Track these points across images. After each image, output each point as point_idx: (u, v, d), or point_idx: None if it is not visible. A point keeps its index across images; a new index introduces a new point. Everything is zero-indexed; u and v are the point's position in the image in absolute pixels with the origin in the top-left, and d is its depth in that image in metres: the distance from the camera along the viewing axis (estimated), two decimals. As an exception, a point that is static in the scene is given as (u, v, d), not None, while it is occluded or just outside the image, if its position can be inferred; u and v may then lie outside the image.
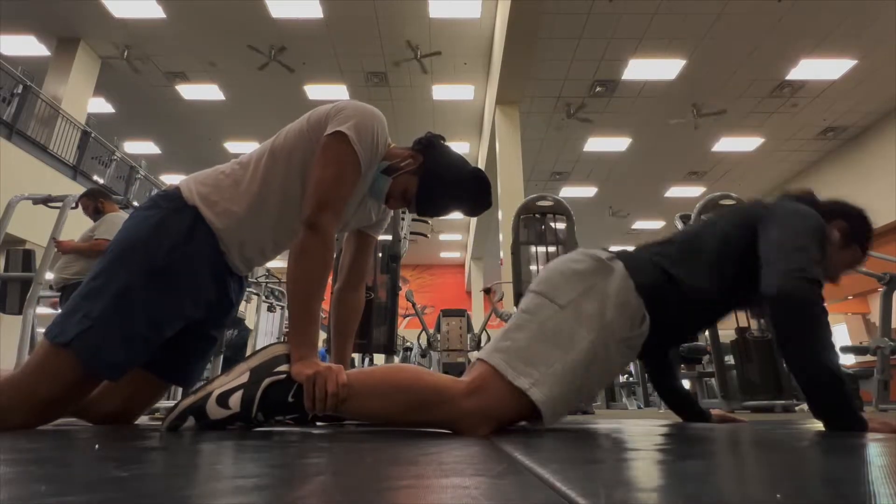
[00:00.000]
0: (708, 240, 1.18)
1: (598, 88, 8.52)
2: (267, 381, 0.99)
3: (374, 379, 1.02)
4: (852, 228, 1.21)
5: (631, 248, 1.21)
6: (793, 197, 1.24)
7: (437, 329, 6.48)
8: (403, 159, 1.22)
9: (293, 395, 0.99)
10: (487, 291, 5.70)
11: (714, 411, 1.38)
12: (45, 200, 3.84)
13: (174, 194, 1.19)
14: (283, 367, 1.01)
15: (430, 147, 1.25)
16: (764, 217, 1.15)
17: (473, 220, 13.59)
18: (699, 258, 1.14)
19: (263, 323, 5.82)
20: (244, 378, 1.00)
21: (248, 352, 5.38)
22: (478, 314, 13.03)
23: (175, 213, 1.16)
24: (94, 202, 3.67)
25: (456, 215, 1.30)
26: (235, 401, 0.98)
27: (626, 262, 1.11)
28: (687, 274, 1.11)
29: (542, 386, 0.97)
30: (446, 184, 1.23)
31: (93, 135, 8.47)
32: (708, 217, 1.23)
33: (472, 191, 1.24)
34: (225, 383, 1.00)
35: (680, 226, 4.99)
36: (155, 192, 1.40)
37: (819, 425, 1.04)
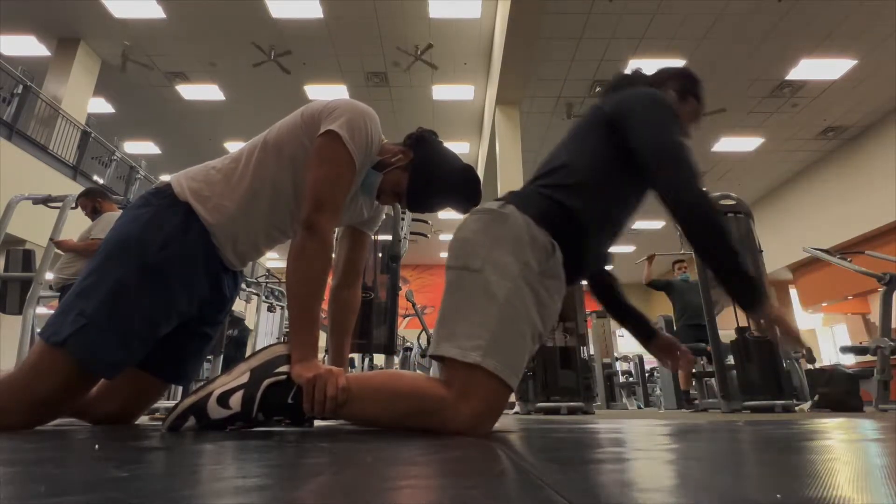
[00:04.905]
0: (575, 157, 1.17)
1: (598, 88, 8.51)
2: (267, 381, 0.99)
3: (373, 384, 1.01)
4: (683, 85, 1.40)
5: (518, 189, 1.20)
6: (625, 82, 1.33)
7: (437, 329, 6.46)
8: (394, 155, 1.22)
9: (293, 397, 0.99)
10: None
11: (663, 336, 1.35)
12: (45, 200, 3.85)
13: (165, 191, 1.18)
14: (284, 368, 1.01)
15: (421, 143, 1.25)
16: (619, 113, 1.18)
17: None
18: (577, 177, 1.13)
19: (263, 323, 5.81)
20: (244, 378, 1.00)
21: (248, 352, 5.38)
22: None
23: (167, 209, 1.15)
24: (93, 202, 3.66)
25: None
26: (236, 401, 0.98)
27: (517, 203, 1.11)
28: (566, 196, 1.11)
29: (490, 353, 0.97)
30: (436, 180, 1.23)
31: (93, 135, 8.46)
32: (563, 139, 1.25)
33: (462, 187, 1.24)
34: (226, 383, 1.00)
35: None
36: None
37: (820, 425, 1.04)
